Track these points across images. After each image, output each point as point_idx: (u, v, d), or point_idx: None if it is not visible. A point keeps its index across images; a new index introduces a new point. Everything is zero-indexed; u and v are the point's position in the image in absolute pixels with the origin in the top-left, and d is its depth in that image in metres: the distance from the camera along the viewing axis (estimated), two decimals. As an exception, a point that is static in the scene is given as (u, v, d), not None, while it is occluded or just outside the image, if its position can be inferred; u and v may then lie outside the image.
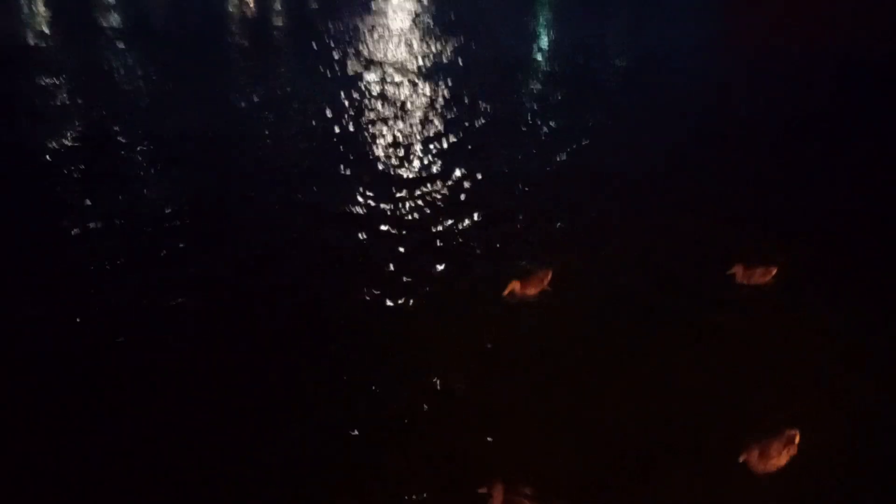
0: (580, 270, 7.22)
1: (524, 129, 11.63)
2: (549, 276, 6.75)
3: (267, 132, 11.66)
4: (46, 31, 24.10)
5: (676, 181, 9.50)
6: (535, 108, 12.94)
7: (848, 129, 12.05)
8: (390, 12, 28.50)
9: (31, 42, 21.28)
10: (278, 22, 29.39)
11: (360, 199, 8.83)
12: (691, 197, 8.92)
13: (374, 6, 29.79)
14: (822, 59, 18.23)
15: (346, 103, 13.38)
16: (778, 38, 22.62)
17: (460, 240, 7.84)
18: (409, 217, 8.39)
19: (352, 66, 17.12)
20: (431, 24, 25.86)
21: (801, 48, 20.35)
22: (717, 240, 7.81)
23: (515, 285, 6.65)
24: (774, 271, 6.73)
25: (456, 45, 20.34)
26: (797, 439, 4.55)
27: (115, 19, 27.96)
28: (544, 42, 21.90)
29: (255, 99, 13.78)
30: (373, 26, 25.27)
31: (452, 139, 10.99)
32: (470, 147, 10.61)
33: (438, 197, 8.96)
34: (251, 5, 37.16)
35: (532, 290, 6.67)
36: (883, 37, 21.27)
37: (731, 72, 17.27)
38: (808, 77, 16.15)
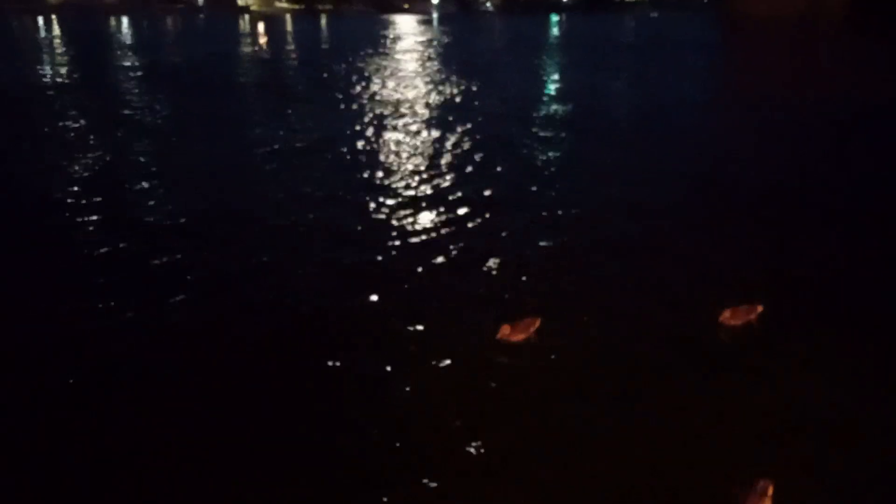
0: (571, 316, 7.31)
1: (527, 178, 11.76)
2: (538, 324, 6.87)
3: (275, 165, 11.97)
4: (66, 71, 24.86)
5: (672, 231, 9.61)
6: (540, 156, 13.16)
7: (841, 170, 12.18)
8: (401, 55, 29.20)
9: (53, 82, 21.91)
10: (291, 63, 30.22)
11: (364, 238, 9.00)
12: (685, 244, 9.04)
13: (383, 49, 30.53)
14: (818, 104, 18.46)
15: (353, 142, 13.63)
16: (777, 79, 22.92)
17: (456, 283, 7.96)
18: (408, 257, 8.55)
19: (362, 106, 17.54)
20: (442, 66, 26.43)
21: (800, 92, 20.61)
22: (709, 282, 7.93)
23: (506, 329, 6.78)
24: (760, 309, 6.90)
25: (462, 88, 20.79)
26: (770, 491, 4.57)
27: (131, 61, 28.85)
28: (550, 88, 22.31)
29: (267, 133, 14.17)
30: (382, 67, 25.87)
31: (455, 183, 11.18)
32: (474, 194, 10.75)
33: (439, 237, 9.13)
34: (265, 48, 38.28)
35: (519, 336, 6.79)
36: (882, 90, 21.42)
37: (727, 115, 17.51)
38: (806, 119, 16.33)
